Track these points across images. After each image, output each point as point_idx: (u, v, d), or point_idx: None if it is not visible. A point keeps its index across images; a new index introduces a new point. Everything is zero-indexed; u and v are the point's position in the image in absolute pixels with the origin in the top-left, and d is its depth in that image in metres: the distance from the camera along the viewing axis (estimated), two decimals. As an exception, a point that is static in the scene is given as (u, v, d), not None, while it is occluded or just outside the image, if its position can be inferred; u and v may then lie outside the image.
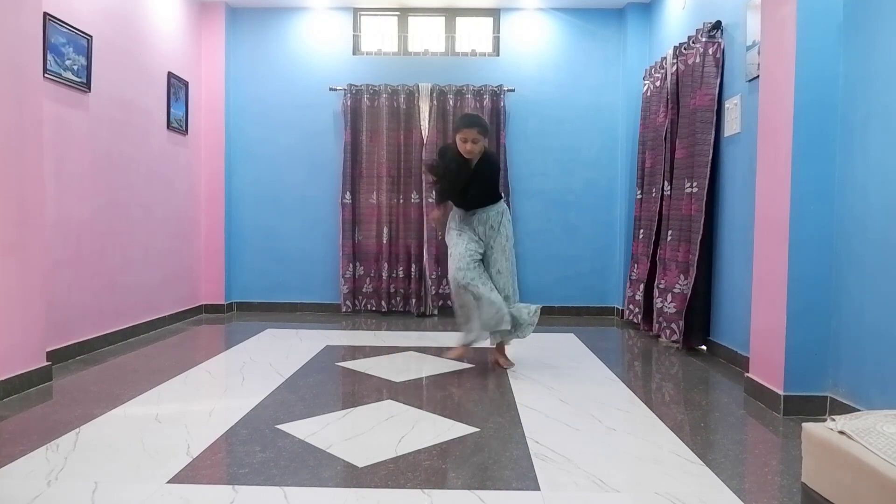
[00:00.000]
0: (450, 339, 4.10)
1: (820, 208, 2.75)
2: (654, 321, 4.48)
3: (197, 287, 5.51)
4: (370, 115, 5.61)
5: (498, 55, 5.74)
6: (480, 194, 3.51)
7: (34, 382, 3.09)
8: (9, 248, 2.93)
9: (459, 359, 3.70)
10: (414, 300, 5.61)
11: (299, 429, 2.50)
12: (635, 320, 4.93)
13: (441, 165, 3.52)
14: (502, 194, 3.69)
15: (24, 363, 3.05)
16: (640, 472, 2.13)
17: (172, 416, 2.66)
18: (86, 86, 3.80)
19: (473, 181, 3.46)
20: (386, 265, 5.59)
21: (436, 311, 5.56)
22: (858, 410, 2.26)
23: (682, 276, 4.13)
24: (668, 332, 4.28)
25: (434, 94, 5.55)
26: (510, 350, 3.75)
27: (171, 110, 4.93)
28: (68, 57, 3.63)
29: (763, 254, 3.02)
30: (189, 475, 2.04)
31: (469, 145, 3.35)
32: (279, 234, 5.77)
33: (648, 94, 4.97)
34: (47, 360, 3.24)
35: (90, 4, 3.87)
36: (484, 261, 3.56)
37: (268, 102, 5.73)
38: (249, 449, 2.28)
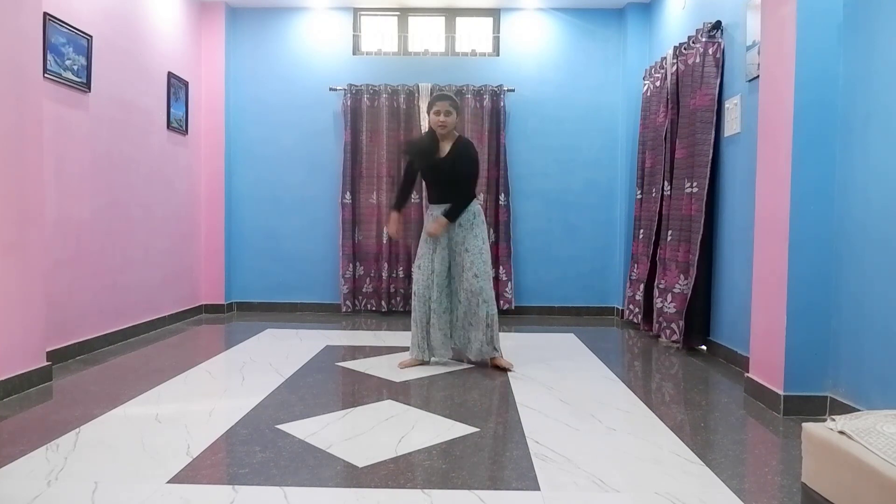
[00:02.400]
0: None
1: (820, 208, 2.75)
2: (654, 321, 4.48)
3: (197, 287, 5.51)
4: (370, 115, 5.61)
5: (498, 55, 5.74)
6: (453, 186, 3.49)
7: (34, 382, 3.09)
8: (9, 248, 2.93)
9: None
10: (414, 300, 5.61)
11: (299, 429, 2.50)
12: (635, 320, 4.93)
13: (413, 144, 3.67)
14: (476, 196, 3.66)
15: (24, 363, 3.05)
16: (640, 472, 2.13)
17: (172, 416, 2.66)
18: (86, 86, 3.80)
19: (446, 168, 3.50)
20: (386, 265, 5.59)
21: (436, 311, 5.55)
22: (858, 410, 2.26)
23: (682, 276, 4.13)
24: (668, 332, 4.28)
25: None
26: (505, 352, 3.70)
27: (171, 110, 4.93)
28: (68, 57, 3.63)
29: (763, 254, 3.02)
30: (189, 475, 2.04)
31: (442, 117, 3.48)
32: (279, 234, 5.77)
33: (648, 94, 4.97)
34: (47, 360, 3.24)
35: (90, 4, 3.87)
36: (455, 265, 3.56)
37: (268, 102, 5.73)
38: (249, 449, 2.28)
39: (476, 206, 3.60)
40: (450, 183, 3.52)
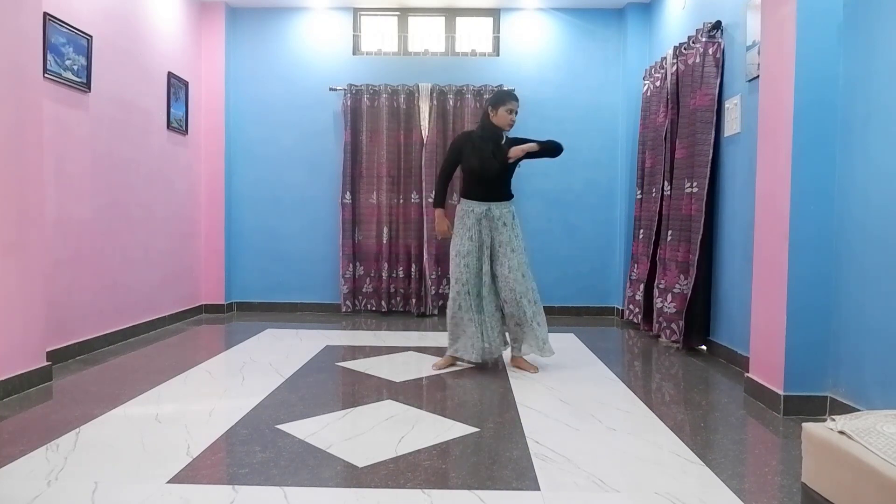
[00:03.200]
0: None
1: (820, 208, 2.75)
2: (654, 321, 4.48)
3: (197, 287, 5.51)
4: (370, 115, 5.61)
5: (498, 55, 5.74)
6: (501, 184, 3.51)
7: (34, 382, 3.09)
8: (9, 248, 2.93)
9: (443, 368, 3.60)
10: (414, 300, 5.61)
11: (299, 429, 2.50)
12: (635, 320, 4.93)
13: (483, 138, 3.48)
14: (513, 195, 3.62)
15: (24, 363, 3.05)
16: (640, 472, 2.13)
17: (172, 416, 2.66)
18: (86, 86, 3.80)
19: (503, 167, 3.46)
20: (386, 265, 5.59)
21: (436, 311, 5.55)
22: (858, 410, 2.26)
23: (682, 276, 4.13)
24: (668, 332, 4.28)
25: (434, 94, 5.55)
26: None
27: (171, 110, 4.93)
28: (68, 57, 3.63)
29: (763, 254, 3.02)
30: (189, 475, 2.04)
31: (513, 116, 3.47)
32: (279, 234, 5.77)
33: (648, 94, 4.97)
34: (47, 360, 3.24)
35: (90, 4, 3.87)
36: (500, 265, 3.46)
37: (268, 102, 5.73)
38: (249, 449, 2.28)
39: (513, 207, 3.58)
40: (505, 182, 3.54)
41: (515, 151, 3.42)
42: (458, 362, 3.61)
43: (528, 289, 3.47)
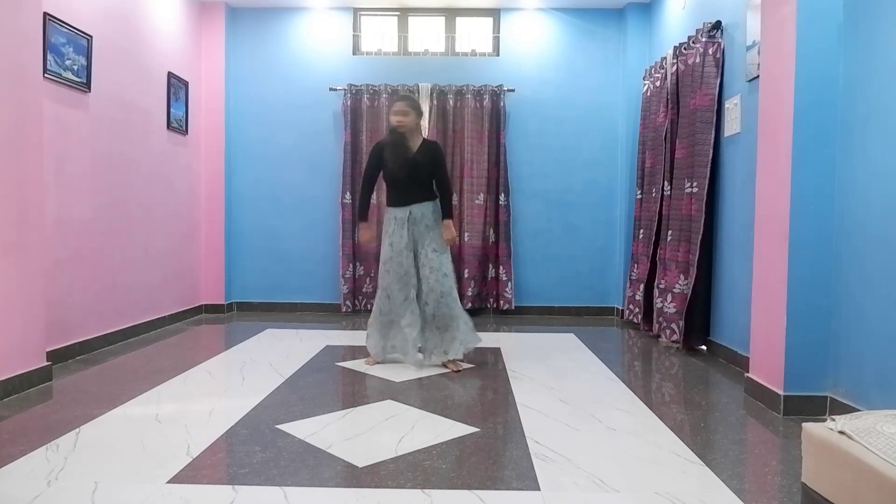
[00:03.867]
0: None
1: (820, 208, 2.75)
2: (654, 321, 4.48)
3: (197, 287, 5.51)
4: (370, 115, 5.61)
5: (498, 55, 5.74)
6: (416, 185, 3.53)
7: (34, 382, 3.09)
8: (9, 248, 2.93)
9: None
10: (414, 300, 5.61)
11: (299, 429, 2.50)
12: (635, 320, 4.93)
13: (386, 143, 3.61)
14: (438, 195, 3.61)
15: (24, 363, 3.05)
16: (640, 472, 2.13)
17: (172, 416, 2.66)
18: (86, 86, 3.80)
19: (417, 167, 3.51)
20: (386, 265, 5.59)
21: (436, 311, 5.55)
22: (858, 410, 2.26)
23: (682, 276, 4.13)
24: (668, 332, 4.28)
25: (434, 94, 5.55)
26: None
27: (171, 110, 4.93)
28: (68, 57, 3.63)
29: (763, 254, 3.02)
30: (189, 475, 2.04)
31: (398, 118, 3.53)
32: (279, 234, 5.77)
33: (648, 94, 4.97)
34: (47, 360, 3.24)
35: (90, 4, 3.87)
36: (421, 266, 3.53)
37: (268, 102, 5.73)
38: (249, 449, 2.28)
39: (438, 206, 3.61)
40: (420, 183, 3.55)
41: (454, 236, 3.60)
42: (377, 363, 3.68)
43: (451, 288, 3.52)
